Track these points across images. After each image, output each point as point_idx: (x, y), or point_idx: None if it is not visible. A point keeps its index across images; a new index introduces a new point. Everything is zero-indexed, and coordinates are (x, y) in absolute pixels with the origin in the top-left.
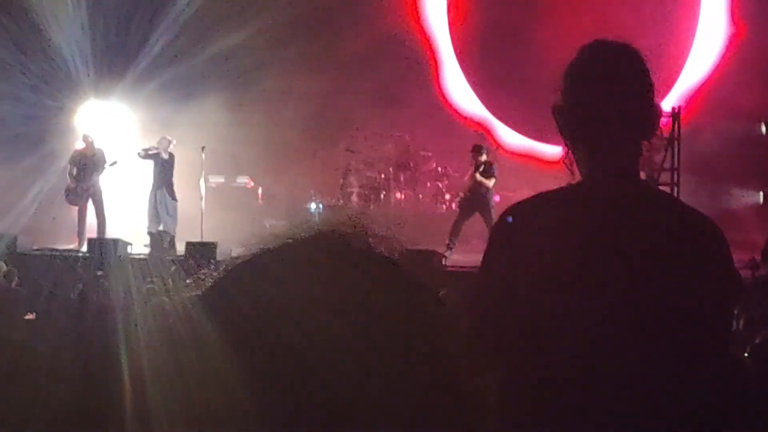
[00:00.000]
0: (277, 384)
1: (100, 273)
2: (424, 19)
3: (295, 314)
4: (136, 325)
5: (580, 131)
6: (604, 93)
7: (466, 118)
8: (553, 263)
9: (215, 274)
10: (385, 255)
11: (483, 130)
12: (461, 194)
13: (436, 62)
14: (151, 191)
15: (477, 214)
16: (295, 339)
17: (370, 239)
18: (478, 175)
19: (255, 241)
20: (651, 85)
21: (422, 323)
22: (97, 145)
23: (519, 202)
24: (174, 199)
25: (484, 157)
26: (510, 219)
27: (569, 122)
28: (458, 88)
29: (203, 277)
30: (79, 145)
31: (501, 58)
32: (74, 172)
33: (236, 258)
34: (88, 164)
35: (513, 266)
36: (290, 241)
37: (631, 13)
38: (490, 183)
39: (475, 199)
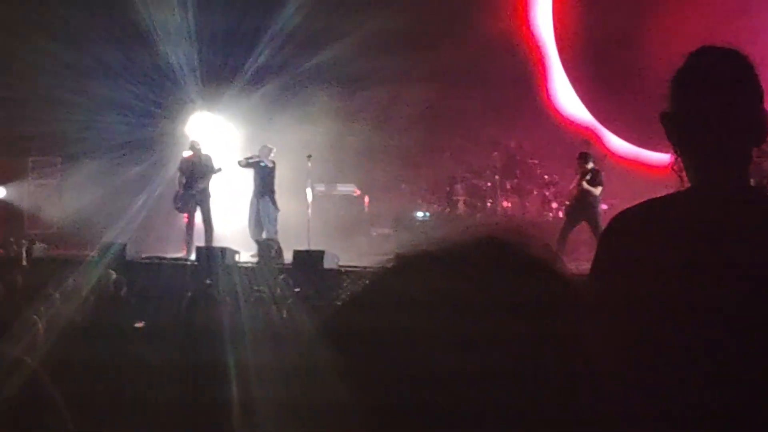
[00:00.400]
0: (372, 382)
1: (208, 282)
2: (531, 26)
3: (450, 324)
4: (243, 332)
5: (688, 138)
6: (712, 100)
7: (572, 125)
8: (662, 270)
9: (353, 287)
10: (544, 260)
11: (590, 137)
12: (567, 202)
13: (543, 69)
14: (253, 199)
15: (584, 222)
16: (447, 344)
17: (528, 245)
18: (584, 184)
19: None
20: (761, 91)
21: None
22: (204, 152)
23: (627, 209)
24: (276, 207)
25: (590, 165)
26: (618, 226)
27: (678, 129)
28: (565, 95)
29: (312, 287)
30: (187, 152)
31: (608, 65)
32: (183, 179)
33: (376, 267)
34: (195, 172)
35: (622, 273)
36: (440, 249)
37: (741, 18)
38: (597, 191)
39: (581, 207)
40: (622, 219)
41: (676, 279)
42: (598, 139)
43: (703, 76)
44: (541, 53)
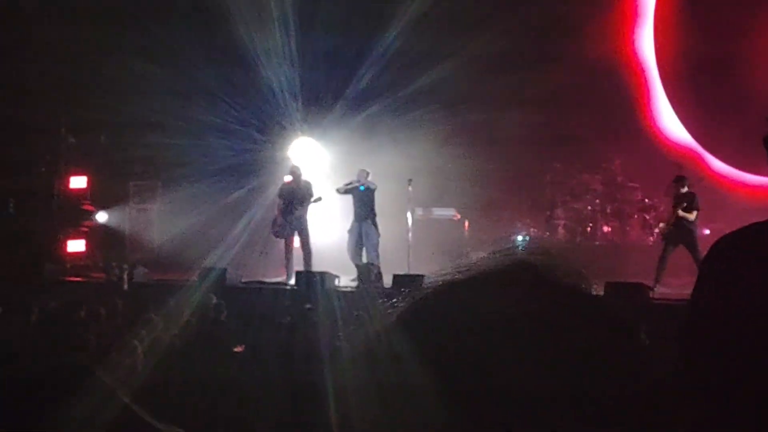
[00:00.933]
0: (465, 401)
1: (308, 306)
2: (633, 49)
3: (485, 337)
4: (342, 355)
5: None
6: None
7: (673, 148)
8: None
9: (412, 297)
10: (573, 285)
11: (689, 159)
12: (662, 225)
13: (645, 92)
14: (354, 223)
15: (683, 247)
16: (483, 359)
17: (559, 270)
18: (680, 212)
19: (451, 269)
20: None
21: (608, 352)
22: (304, 179)
23: (730, 234)
24: (377, 232)
25: (685, 189)
26: (720, 251)
27: None
28: (667, 118)
29: (401, 300)
30: (288, 178)
31: (710, 87)
32: (281, 205)
33: (432, 284)
34: (295, 197)
35: (725, 300)
36: (482, 270)
37: None
38: (693, 216)
39: (679, 232)
40: (724, 244)
41: None
42: (700, 160)
43: None
44: (643, 76)
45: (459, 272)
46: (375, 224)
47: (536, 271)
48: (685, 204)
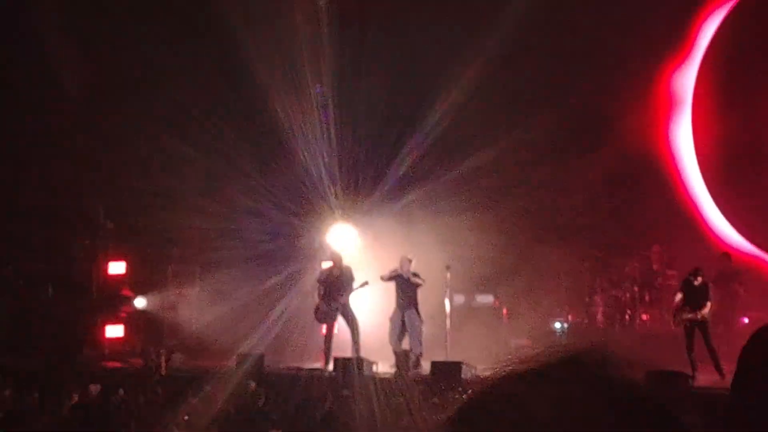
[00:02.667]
0: None
1: (346, 392)
2: (669, 140)
3: None
4: None
5: None
6: None
7: (705, 235)
8: None
9: (463, 396)
10: (629, 381)
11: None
12: (678, 317)
13: (680, 180)
14: (396, 311)
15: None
16: None
17: (613, 366)
18: (708, 305)
19: (500, 361)
20: None
21: None
22: (345, 263)
23: None
24: (421, 319)
25: (699, 280)
26: (761, 340)
27: None
28: (706, 206)
29: (450, 399)
30: (327, 263)
31: (750, 175)
32: (322, 290)
33: (483, 380)
34: (335, 283)
35: (765, 387)
36: (535, 366)
37: None
38: (707, 308)
39: (692, 324)
40: (765, 334)
41: None
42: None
43: None
44: (679, 165)
45: (511, 366)
46: (418, 312)
47: (590, 368)
48: (698, 302)
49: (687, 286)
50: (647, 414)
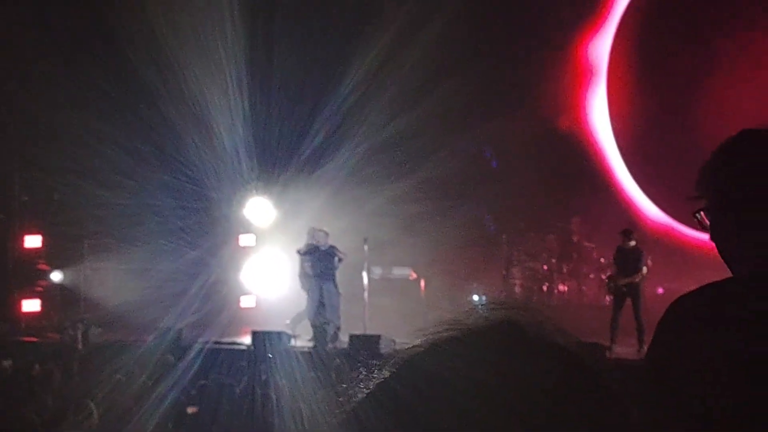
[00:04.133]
0: None
1: (264, 366)
2: (585, 110)
3: (472, 408)
4: (300, 415)
5: (730, 228)
6: (753, 185)
7: (625, 206)
8: (724, 359)
9: (385, 368)
10: (562, 345)
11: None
12: (611, 284)
13: (598, 152)
14: (314, 284)
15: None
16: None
17: (546, 328)
18: (645, 269)
19: (423, 331)
20: None
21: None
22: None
23: (685, 296)
24: (338, 292)
25: (632, 243)
26: (675, 314)
27: (735, 214)
28: (622, 176)
29: (369, 372)
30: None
31: (663, 144)
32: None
33: (406, 350)
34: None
35: (680, 361)
36: (462, 332)
37: None
38: (639, 278)
39: (631, 288)
40: (681, 307)
41: (737, 368)
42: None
43: (742, 161)
44: (596, 136)
45: (438, 333)
46: (336, 284)
47: (524, 331)
48: (632, 265)
49: (619, 252)
50: (582, 380)
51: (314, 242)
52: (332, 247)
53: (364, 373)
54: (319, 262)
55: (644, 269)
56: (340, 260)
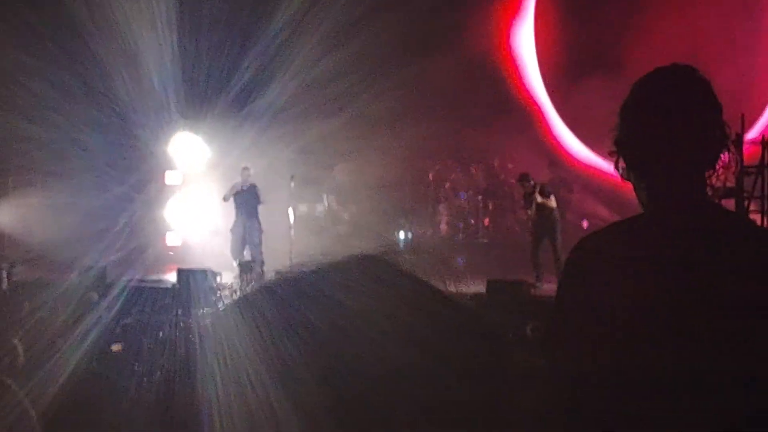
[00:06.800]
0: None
1: (189, 304)
2: (512, 46)
3: (327, 326)
4: (222, 350)
5: (636, 164)
6: (659, 123)
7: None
8: (626, 296)
9: (256, 287)
10: (415, 276)
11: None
12: (529, 223)
13: (524, 88)
14: (237, 221)
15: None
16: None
17: (401, 263)
18: (538, 197)
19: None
20: (715, 111)
21: (451, 339)
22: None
23: (592, 234)
24: (261, 228)
25: (531, 182)
26: (582, 251)
27: (626, 156)
28: (550, 115)
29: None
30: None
31: (593, 86)
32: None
33: (293, 271)
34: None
35: (586, 299)
36: (330, 263)
37: (722, 40)
38: (553, 202)
39: (543, 224)
40: (585, 246)
41: (639, 304)
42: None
43: (648, 100)
44: (521, 73)
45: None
46: (259, 222)
47: (381, 265)
48: (539, 190)
49: (525, 197)
50: (448, 318)
51: (241, 180)
52: (253, 185)
53: (257, 288)
54: (242, 199)
55: (553, 199)
56: (260, 202)
